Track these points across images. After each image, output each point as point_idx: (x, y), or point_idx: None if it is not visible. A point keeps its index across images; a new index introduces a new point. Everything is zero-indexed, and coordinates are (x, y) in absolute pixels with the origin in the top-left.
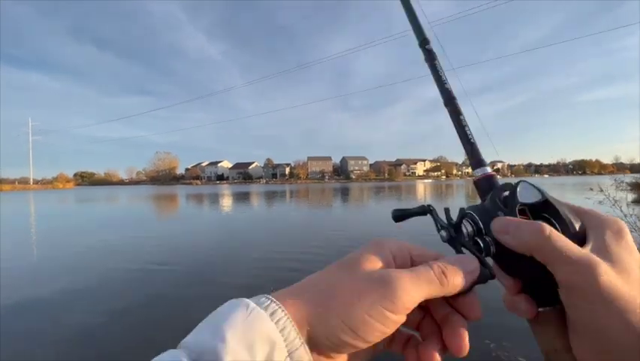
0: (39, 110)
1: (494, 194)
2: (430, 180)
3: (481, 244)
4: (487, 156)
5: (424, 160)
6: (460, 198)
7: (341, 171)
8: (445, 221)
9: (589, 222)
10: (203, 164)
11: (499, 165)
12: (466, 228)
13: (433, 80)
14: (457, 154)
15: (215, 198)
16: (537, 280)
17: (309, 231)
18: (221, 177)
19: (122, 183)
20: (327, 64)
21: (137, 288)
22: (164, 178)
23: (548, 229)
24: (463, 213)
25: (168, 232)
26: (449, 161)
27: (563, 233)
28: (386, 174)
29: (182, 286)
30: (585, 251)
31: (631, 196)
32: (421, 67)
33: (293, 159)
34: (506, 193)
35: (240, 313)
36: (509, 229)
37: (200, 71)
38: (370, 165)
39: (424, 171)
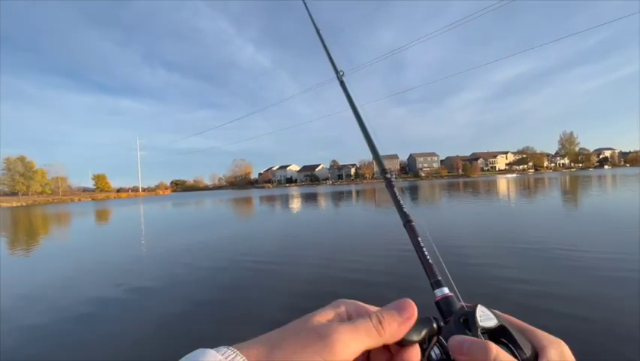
0: (132, 130)
1: (455, 318)
2: (514, 175)
3: None
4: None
5: (506, 153)
6: (553, 196)
7: (409, 168)
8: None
9: (538, 344)
10: (274, 168)
11: (608, 153)
12: (434, 352)
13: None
14: (547, 143)
15: (285, 199)
16: None
17: (371, 232)
18: (290, 180)
19: (206, 188)
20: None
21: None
22: (240, 183)
23: (495, 348)
24: (433, 339)
25: (247, 231)
26: (538, 152)
27: (519, 357)
28: (460, 170)
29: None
30: None
31: None
32: (484, 47)
33: (358, 159)
34: (465, 317)
35: None
36: (463, 348)
37: (255, 80)
38: (441, 161)
39: (507, 164)
